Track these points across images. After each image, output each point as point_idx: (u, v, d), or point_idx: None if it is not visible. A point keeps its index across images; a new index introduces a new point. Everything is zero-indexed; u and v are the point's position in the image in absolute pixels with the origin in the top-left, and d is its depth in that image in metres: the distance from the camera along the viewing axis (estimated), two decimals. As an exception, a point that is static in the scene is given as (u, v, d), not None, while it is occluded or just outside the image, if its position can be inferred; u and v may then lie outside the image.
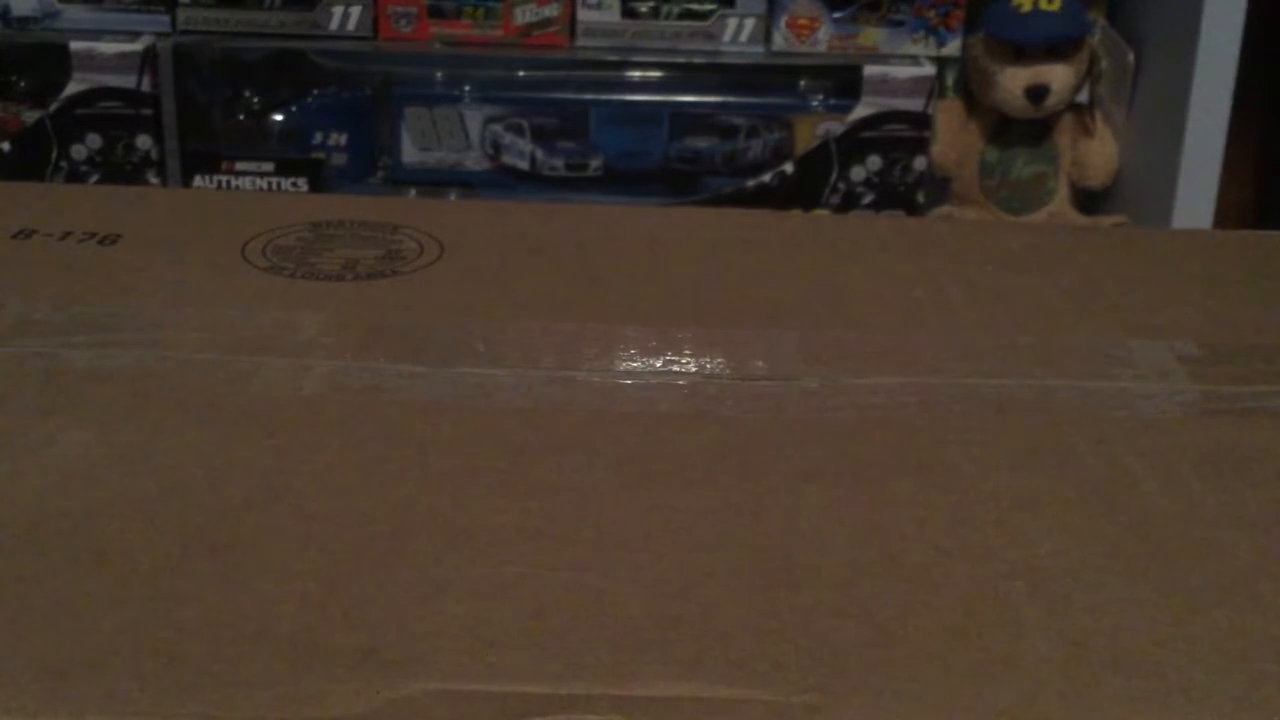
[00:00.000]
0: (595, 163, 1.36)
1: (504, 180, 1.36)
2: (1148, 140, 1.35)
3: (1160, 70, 1.33)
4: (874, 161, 1.35)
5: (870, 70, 1.34)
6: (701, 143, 1.36)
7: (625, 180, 1.36)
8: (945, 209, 1.40)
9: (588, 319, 0.67)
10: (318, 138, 1.36)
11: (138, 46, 1.32)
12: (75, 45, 1.32)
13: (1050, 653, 0.45)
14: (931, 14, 1.36)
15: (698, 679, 0.43)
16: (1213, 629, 0.47)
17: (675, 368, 0.63)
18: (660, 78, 1.36)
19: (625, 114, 1.36)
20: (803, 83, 1.37)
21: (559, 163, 1.36)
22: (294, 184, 1.35)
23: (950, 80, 1.39)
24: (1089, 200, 1.41)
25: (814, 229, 0.86)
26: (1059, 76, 1.34)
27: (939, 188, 1.40)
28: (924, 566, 0.50)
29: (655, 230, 0.79)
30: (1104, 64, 1.37)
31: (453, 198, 1.35)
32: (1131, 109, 1.38)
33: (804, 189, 1.35)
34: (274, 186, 1.34)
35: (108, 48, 1.32)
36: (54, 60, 1.32)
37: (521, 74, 1.37)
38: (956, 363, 0.64)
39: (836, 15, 1.35)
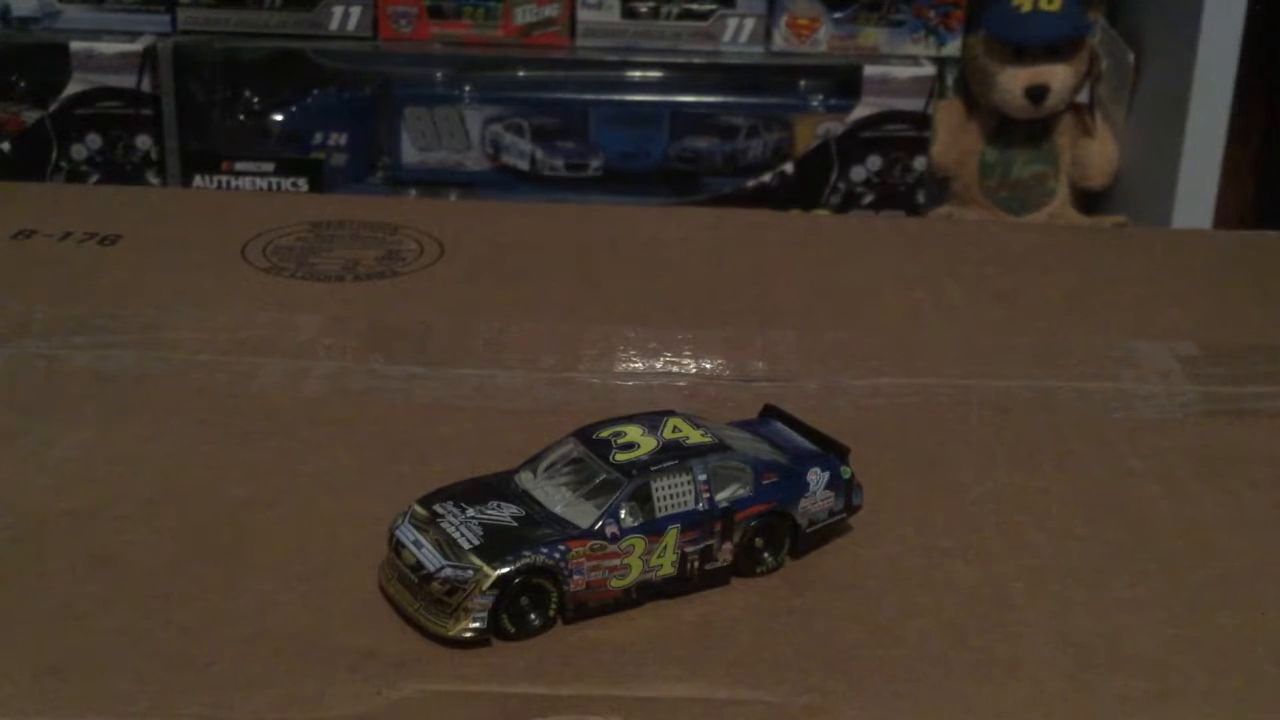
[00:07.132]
0: (595, 163, 1.36)
1: (504, 180, 1.36)
2: (1148, 140, 1.35)
3: (1160, 70, 1.33)
4: (874, 161, 1.35)
5: (870, 70, 1.34)
6: (701, 143, 1.36)
7: (625, 180, 1.36)
8: (945, 209, 1.40)
9: (588, 319, 0.67)
10: (318, 138, 1.36)
11: (138, 46, 1.32)
12: (75, 45, 1.32)
13: (1050, 653, 0.45)
14: (931, 14, 1.36)
15: (698, 679, 0.43)
16: (1213, 629, 0.47)
17: (675, 369, 0.63)
18: (660, 78, 1.36)
19: (625, 114, 1.36)
20: (803, 83, 1.37)
21: (559, 163, 1.36)
22: (294, 184, 1.34)
23: (950, 80, 1.39)
24: (1089, 200, 1.41)
25: (814, 229, 0.86)
26: (1059, 76, 1.34)
27: (939, 188, 1.40)
28: (924, 567, 0.50)
29: (655, 230, 0.79)
30: (1104, 64, 1.37)
31: (453, 198, 1.35)
32: (1131, 109, 1.37)
33: (804, 189, 1.34)
34: (274, 186, 1.34)
35: (108, 48, 1.32)
36: (54, 60, 1.32)
37: (521, 74, 1.37)
38: (956, 363, 0.64)
39: (836, 15, 1.35)
